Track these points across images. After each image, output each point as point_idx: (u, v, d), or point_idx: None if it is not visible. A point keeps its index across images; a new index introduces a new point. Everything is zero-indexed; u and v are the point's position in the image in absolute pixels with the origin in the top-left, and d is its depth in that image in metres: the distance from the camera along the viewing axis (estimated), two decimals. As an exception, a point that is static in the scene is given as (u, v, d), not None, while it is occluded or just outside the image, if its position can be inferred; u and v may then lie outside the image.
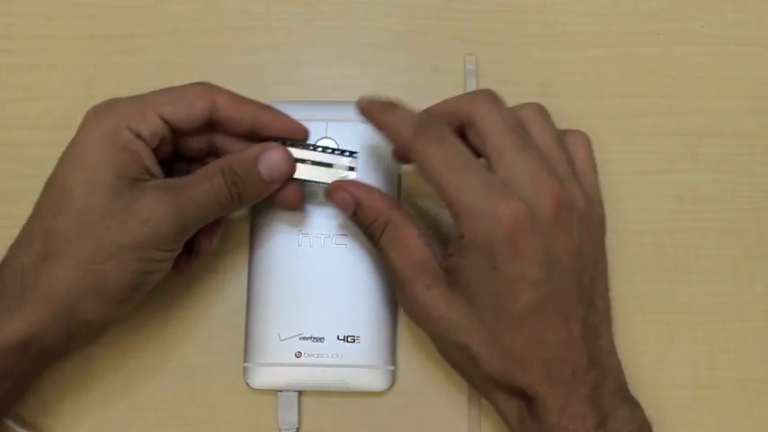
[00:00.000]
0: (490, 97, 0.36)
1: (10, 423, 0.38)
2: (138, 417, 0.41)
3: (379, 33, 0.45)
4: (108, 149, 0.34)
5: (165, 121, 0.35)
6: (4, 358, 0.33)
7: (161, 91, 0.36)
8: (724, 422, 0.41)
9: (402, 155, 0.38)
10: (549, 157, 0.35)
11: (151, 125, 0.35)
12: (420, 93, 0.44)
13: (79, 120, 0.37)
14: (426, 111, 0.37)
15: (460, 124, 0.36)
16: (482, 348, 0.34)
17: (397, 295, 0.37)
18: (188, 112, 0.36)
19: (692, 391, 0.41)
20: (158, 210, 0.34)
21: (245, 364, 0.40)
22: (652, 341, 0.41)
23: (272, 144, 0.36)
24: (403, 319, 0.41)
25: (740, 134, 0.44)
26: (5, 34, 0.45)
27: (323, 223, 0.41)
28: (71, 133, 0.43)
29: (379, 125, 0.36)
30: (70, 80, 0.44)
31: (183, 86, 0.37)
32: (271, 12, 0.45)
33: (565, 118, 0.44)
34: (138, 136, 0.35)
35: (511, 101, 0.44)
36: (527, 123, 0.36)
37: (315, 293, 0.40)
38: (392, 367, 0.40)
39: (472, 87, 0.44)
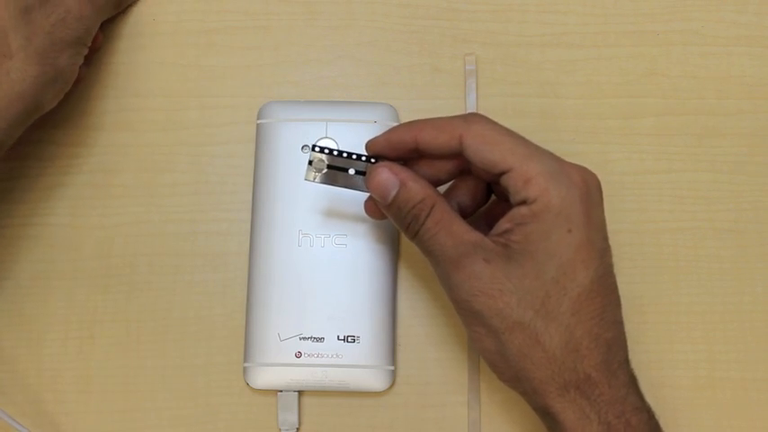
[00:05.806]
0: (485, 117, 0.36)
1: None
2: (138, 417, 0.41)
3: (379, 33, 0.45)
4: None
5: None
6: None
7: None
8: (724, 422, 0.41)
9: (450, 153, 0.35)
10: None
11: None
12: (420, 93, 0.44)
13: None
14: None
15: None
16: (549, 324, 0.32)
17: (447, 279, 0.34)
18: None
19: (692, 391, 0.41)
20: (84, 8, 0.39)
21: (245, 364, 0.40)
22: (652, 341, 0.41)
23: None
24: (403, 320, 0.41)
25: (740, 134, 0.44)
26: (5, 34, 0.45)
27: (323, 223, 0.41)
28: (72, 132, 0.43)
29: (418, 135, 0.35)
30: (70, 80, 0.44)
31: None
32: (271, 12, 0.45)
33: (565, 118, 0.44)
34: None
35: (511, 101, 0.44)
36: None
37: (315, 293, 0.40)
38: (392, 367, 0.40)
39: (472, 87, 0.44)
